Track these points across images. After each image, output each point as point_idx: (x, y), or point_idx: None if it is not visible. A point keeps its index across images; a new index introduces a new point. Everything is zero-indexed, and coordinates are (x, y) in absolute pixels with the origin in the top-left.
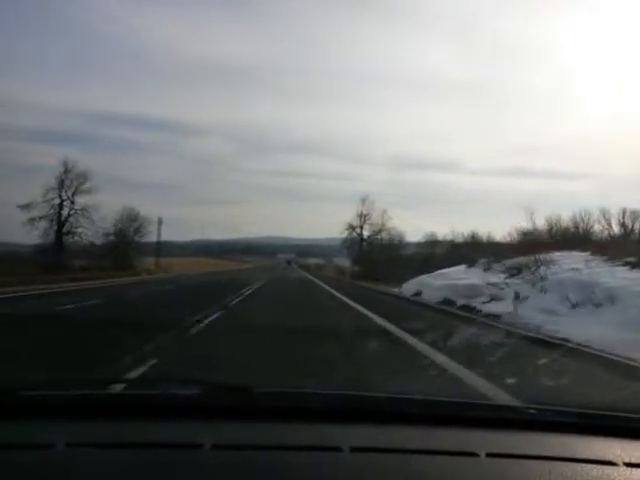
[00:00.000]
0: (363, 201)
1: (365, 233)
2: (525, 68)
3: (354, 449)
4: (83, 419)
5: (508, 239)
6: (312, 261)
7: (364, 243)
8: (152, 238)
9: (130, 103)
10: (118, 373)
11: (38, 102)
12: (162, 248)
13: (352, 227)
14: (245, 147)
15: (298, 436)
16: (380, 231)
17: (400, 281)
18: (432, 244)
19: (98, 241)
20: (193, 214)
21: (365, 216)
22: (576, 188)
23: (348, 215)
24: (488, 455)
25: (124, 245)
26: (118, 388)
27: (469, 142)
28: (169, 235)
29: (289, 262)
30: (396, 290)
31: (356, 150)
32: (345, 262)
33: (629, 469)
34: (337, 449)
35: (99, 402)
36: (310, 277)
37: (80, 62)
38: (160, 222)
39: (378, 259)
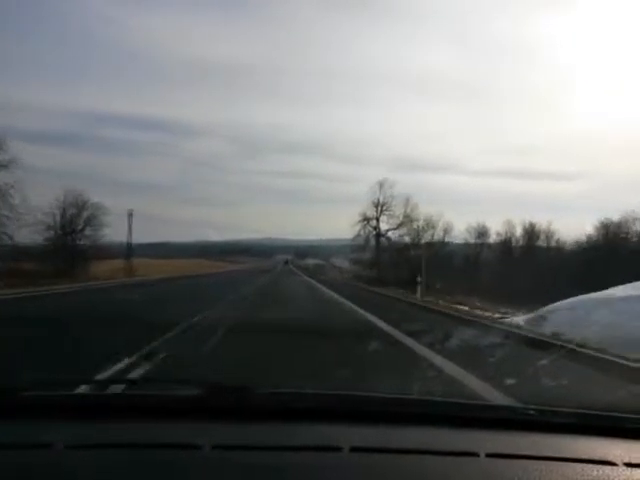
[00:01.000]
0: (380, 186)
1: (383, 226)
2: (525, 68)
3: (354, 449)
4: (82, 419)
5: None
6: (311, 261)
7: (382, 239)
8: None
9: (127, 104)
10: None
11: (36, 103)
12: (158, 249)
13: (366, 219)
14: (244, 148)
15: (298, 436)
16: (403, 224)
17: (467, 293)
18: (478, 243)
19: (40, 237)
20: (193, 215)
21: (383, 205)
22: (575, 188)
23: (356, 208)
24: (488, 455)
25: (71, 242)
26: (118, 388)
27: (469, 142)
28: (168, 236)
29: (287, 262)
30: (520, 322)
31: (356, 151)
32: (344, 263)
33: (629, 469)
34: (337, 449)
35: (98, 402)
36: (324, 288)
37: (77, 63)
38: (131, 215)
39: (413, 260)
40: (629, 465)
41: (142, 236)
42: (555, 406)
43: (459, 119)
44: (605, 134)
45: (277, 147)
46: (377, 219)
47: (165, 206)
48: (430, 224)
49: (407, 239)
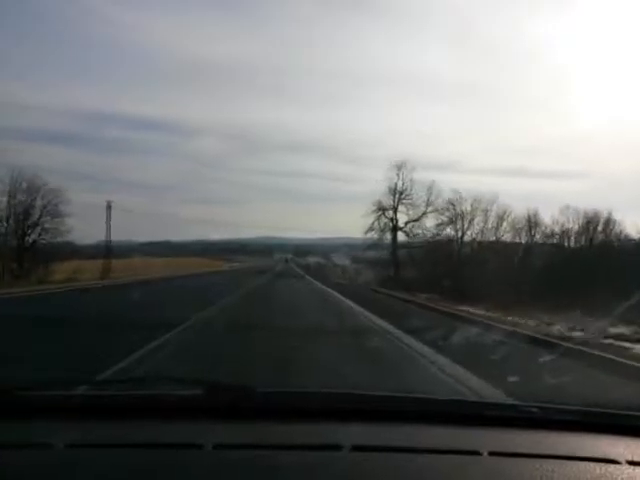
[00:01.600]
0: (399, 169)
1: (402, 218)
2: (525, 68)
3: (355, 448)
4: (82, 419)
5: None
6: (311, 259)
7: (401, 232)
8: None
9: (127, 103)
10: None
11: (36, 102)
12: (159, 248)
13: (382, 209)
14: (245, 147)
15: (298, 435)
16: (425, 214)
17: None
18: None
19: None
20: (194, 214)
21: (402, 193)
22: (575, 188)
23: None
24: (491, 454)
25: (22, 236)
26: (119, 388)
27: (469, 142)
28: (169, 235)
29: (287, 260)
30: None
31: (356, 150)
32: (344, 260)
33: (632, 467)
34: (337, 448)
35: (99, 402)
36: (359, 308)
37: (76, 62)
38: (109, 207)
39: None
40: (632, 463)
41: (142, 235)
42: (558, 404)
43: (460, 119)
44: (605, 134)
45: (277, 146)
46: (394, 209)
47: (166, 205)
48: (479, 209)
49: (447, 231)
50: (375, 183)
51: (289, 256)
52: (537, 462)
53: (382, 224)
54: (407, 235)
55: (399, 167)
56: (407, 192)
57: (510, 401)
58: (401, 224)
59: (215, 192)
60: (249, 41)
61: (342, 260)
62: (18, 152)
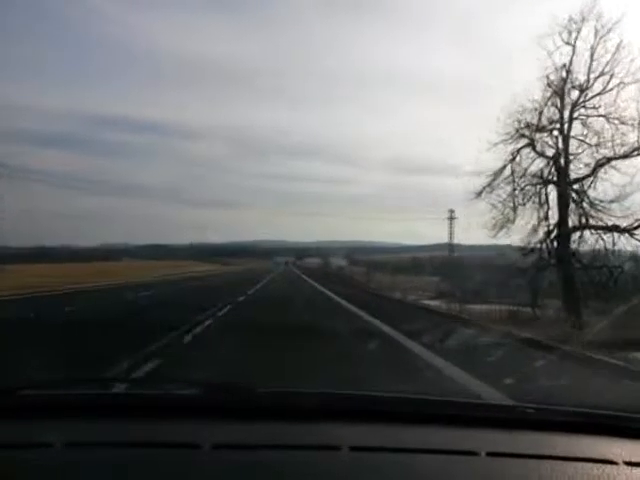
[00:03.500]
0: (573, 30)
1: (583, 157)
2: (526, 68)
3: (353, 448)
4: (83, 419)
5: None
6: (313, 261)
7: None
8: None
9: (127, 106)
10: None
11: (35, 105)
12: (155, 251)
13: (526, 129)
14: (244, 150)
15: (297, 435)
16: None
17: None
18: None
19: None
20: (192, 217)
21: (583, 89)
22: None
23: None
24: (488, 454)
25: None
26: (119, 388)
27: (469, 144)
28: (167, 238)
29: (286, 263)
30: None
31: (354, 153)
32: (341, 262)
33: (629, 468)
34: (336, 448)
35: (99, 402)
36: None
37: (76, 64)
38: None
39: None
40: (629, 464)
41: (138, 237)
42: (555, 405)
43: (459, 121)
44: None
45: (277, 149)
46: (561, 129)
47: (164, 208)
48: None
49: None
50: (374, 187)
51: (290, 259)
52: (535, 463)
53: (528, 167)
54: (579, 200)
55: (573, 27)
56: (595, 89)
57: (508, 402)
58: (577, 172)
59: (214, 195)
60: (250, 43)
61: (339, 261)
62: (16, 154)
